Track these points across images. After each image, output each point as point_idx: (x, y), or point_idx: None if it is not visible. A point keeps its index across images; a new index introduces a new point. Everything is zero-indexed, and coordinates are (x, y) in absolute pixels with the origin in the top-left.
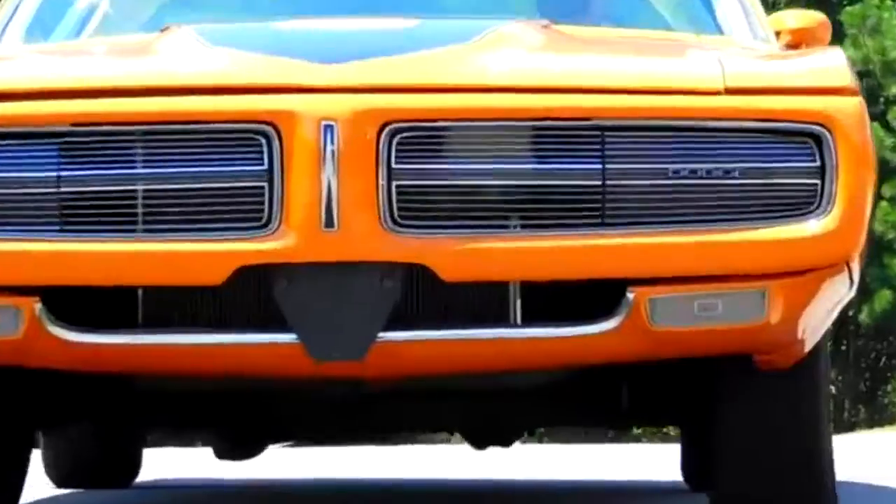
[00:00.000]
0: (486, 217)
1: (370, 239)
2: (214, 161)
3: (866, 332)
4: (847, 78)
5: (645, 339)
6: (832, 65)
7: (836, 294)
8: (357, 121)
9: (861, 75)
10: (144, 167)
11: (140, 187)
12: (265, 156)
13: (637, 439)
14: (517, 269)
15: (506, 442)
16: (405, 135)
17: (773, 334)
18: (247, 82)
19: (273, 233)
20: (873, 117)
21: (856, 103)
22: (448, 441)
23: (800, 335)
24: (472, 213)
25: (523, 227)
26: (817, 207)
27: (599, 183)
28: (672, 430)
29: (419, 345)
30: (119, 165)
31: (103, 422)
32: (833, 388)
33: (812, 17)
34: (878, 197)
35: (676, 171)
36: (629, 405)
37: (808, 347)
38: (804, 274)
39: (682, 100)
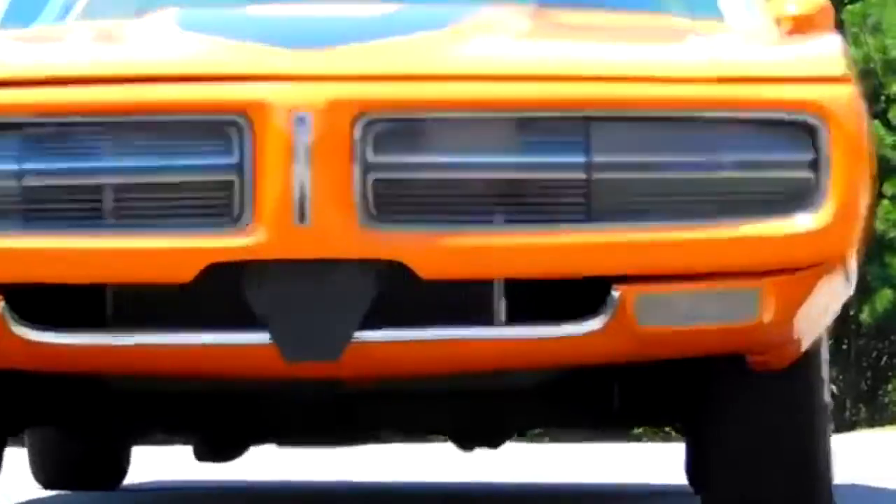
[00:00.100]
0: (466, 212)
1: (345, 235)
2: (183, 153)
3: (867, 332)
4: (842, 66)
5: (632, 340)
6: (826, 52)
7: (832, 292)
8: (331, 111)
9: (862, 74)
10: (110, 160)
11: (106, 181)
12: (236, 148)
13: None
14: (497, 266)
15: (493, 443)
16: (382, 126)
17: (765, 334)
18: (217, 71)
19: (244, 229)
20: (874, 115)
21: (851, 92)
22: (442, 440)
23: (794, 335)
24: (451, 209)
25: (505, 222)
26: (811, 202)
27: (584, 176)
28: (674, 430)
29: (397, 345)
30: (84, 158)
31: (75, 426)
32: (834, 388)
33: (814, 3)
34: (880, 195)
35: (664, 164)
36: (622, 406)
37: (803, 347)
38: (797, 271)
39: (669, 88)
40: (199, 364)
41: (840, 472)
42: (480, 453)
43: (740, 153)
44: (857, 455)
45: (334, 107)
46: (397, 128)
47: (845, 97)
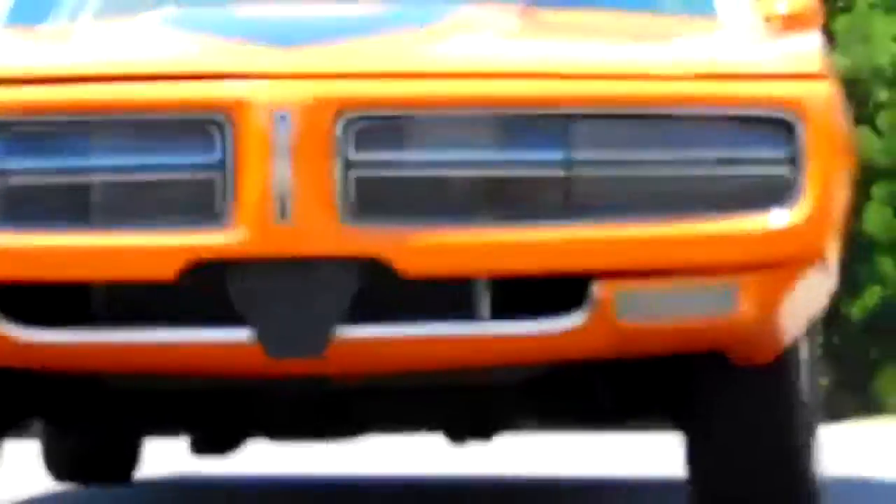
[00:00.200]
0: (446, 209)
1: (326, 232)
2: (167, 151)
3: (858, 327)
4: (818, 63)
5: (612, 335)
6: (804, 49)
7: (811, 287)
8: (312, 109)
9: (852, 82)
10: (94, 158)
11: (89, 179)
12: (218, 146)
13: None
14: (477, 263)
15: (485, 437)
16: (363, 124)
17: (744, 329)
18: (198, 69)
19: (226, 226)
20: (863, 121)
21: (828, 89)
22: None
23: (774, 330)
24: (431, 206)
25: (486, 219)
26: (788, 198)
27: (564, 173)
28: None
29: (380, 341)
30: (67, 156)
31: (67, 423)
32: (825, 380)
33: (803, 2)
34: (868, 197)
35: (643, 161)
36: (611, 402)
37: (785, 342)
38: (776, 267)
39: (648, 86)
40: (184, 361)
41: (830, 461)
42: (476, 445)
43: (718, 150)
44: (847, 445)
45: (315, 104)
46: (378, 125)
47: (822, 94)
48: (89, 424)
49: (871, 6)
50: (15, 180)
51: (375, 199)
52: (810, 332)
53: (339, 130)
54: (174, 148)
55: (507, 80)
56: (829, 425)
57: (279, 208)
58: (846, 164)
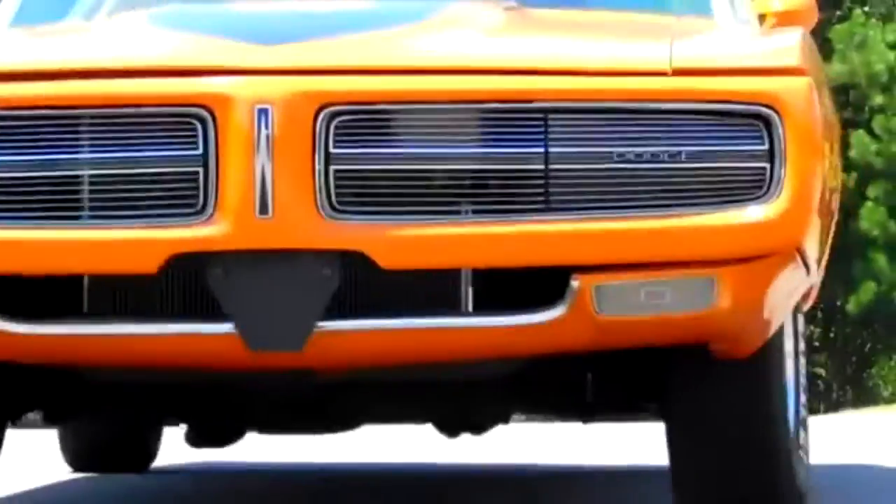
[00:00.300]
0: (426, 203)
1: (306, 226)
2: (149, 146)
3: (853, 321)
4: (796, 58)
5: (592, 329)
6: (783, 45)
7: (789, 281)
8: (292, 104)
9: (848, 87)
10: (77, 152)
11: (73, 173)
12: (200, 140)
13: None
14: (456, 256)
15: (478, 430)
16: (343, 118)
17: (723, 323)
18: (181, 64)
19: (207, 220)
20: (860, 125)
21: (804, 84)
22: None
23: (752, 323)
24: (411, 200)
25: (465, 213)
26: (766, 192)
27: (542, 167)
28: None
29: (362, 334)
30: (51, 151)
31: (59, 415)
32: (822, 372)
33: (798, 0)
34: (864, 197)
35: (622, 155)
36: (597, 394)
37: (765, 336)
38: (753, 260)
39: (626, 81)
40: (166, 354)
41: (827, 450)
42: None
43: (696, 144)
44: (843, 434)
45: (296, 99)
46: (358, 120)
47: (799, 89)
48: (76, 418)
49: (868, 15)
50: (1, 174)
51: (356, 192)
52: (796, 325)
53: (319, 125)
54: (156, 142)
55: (486, 75)
56: (826, 415)
57: (260, 202)
58: (821, 159)
